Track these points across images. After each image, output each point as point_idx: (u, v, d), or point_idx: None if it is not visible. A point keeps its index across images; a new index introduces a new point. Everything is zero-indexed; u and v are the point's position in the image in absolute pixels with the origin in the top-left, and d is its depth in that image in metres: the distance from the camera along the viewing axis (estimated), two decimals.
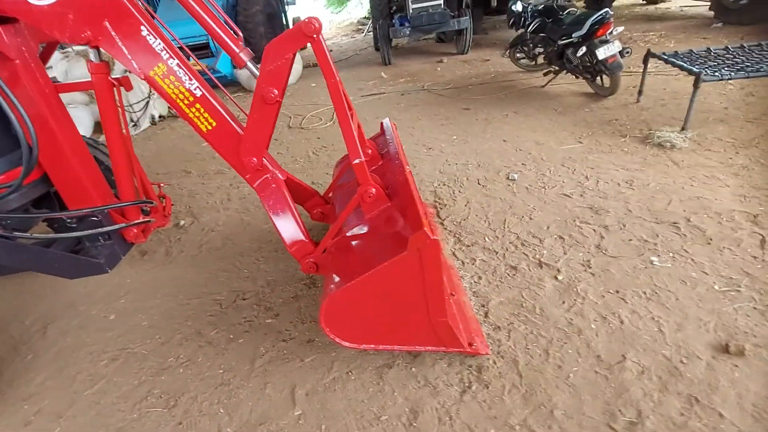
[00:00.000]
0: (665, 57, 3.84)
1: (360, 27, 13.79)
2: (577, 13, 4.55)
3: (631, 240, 2.36)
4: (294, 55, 1.76)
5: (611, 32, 4.08)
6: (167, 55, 1.75)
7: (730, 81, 3.70)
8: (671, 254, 2.21)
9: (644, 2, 10.10)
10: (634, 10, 9.65)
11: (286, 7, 9.68)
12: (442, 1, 6.97)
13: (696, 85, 3.28)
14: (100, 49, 1.77)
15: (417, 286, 1.57)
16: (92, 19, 1.67)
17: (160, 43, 1.73)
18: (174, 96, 1.82)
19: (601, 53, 4.07)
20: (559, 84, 5.12)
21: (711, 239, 2.26)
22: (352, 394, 1.74)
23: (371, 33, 10.85)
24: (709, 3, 7.57)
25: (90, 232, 2.00)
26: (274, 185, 2.03)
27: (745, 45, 3.91)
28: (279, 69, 1.75)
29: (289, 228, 2.02)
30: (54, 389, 1.97)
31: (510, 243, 2.48)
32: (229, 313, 2.28)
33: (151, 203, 2.25)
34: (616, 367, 1.68)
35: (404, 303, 1.64)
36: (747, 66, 3.41)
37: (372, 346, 1.76)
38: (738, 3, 6.71)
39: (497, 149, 3.76)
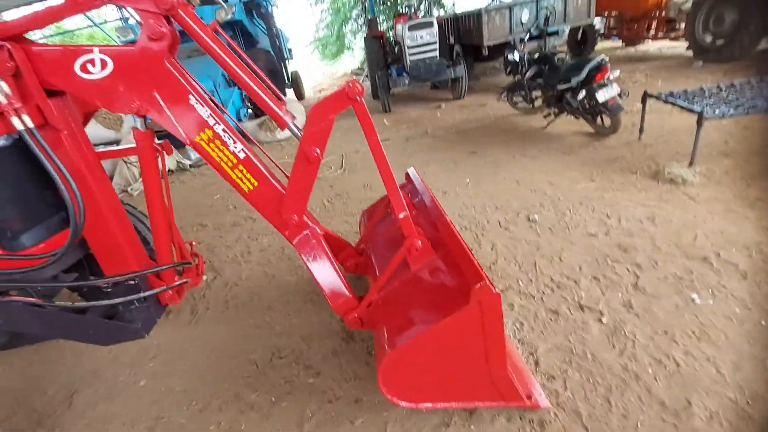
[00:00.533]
0: (664, 97, 4.03)
1: (354, 77, 14.36)
2: (574, 60, 4.81)
3: (666, 278, 2.37)
4: (335, 116, 1.83)
5: (608, 77, 4.31)
6: (213, 121, 1.80)
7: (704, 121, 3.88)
8: (710, 290, 2.21)
9: (624, 45, 10.74)
10: (615, 52, 10.23)
11: (285, 62, 10.10)
12: (437, 53, 7.35)
13: (700, 123, 3.43)
14: (147, 117, 1.82)
15: (477, 340, 1.55)
16: (142, 90, 1.73)
17: (206, 110, 1.78)
18: (218, 159, 1.86)
19: (601, 96, 4.27)
20: (559, 126, 5.31)
21: (746, 273, 2.28)
22: None
23: (365, 82, 11.29)
24: (686, 44, 8.10)
25: (131, 297, 1.96)
26: (314, 241, 2.03)
27: (735, 83, 4.13)
28: (322, 130, 1.81)
29: (331, 283, 2.01)
30: None
31: (545, 286, 2.48)
32: (267, 373, 2.20)
33: (189, 263, 2.23)
34: (684, 414, 1.63)
35: (463, 357, 1.61)
36: (743, 103, 3.59)
37: (429, 405, 1.70)
38: (715, 43, 7.17)
39: (512, 191, 3.84)
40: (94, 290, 2.15)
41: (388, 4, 15.57)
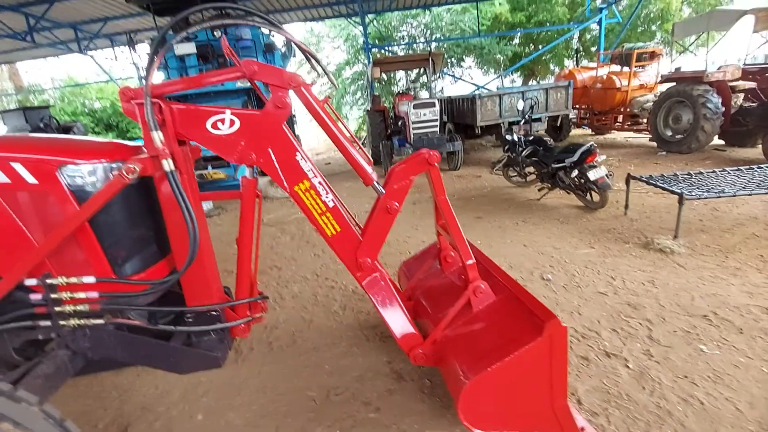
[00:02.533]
0: (645, 179, 4.70)
1: None
2: (566, 143, 5.56)
3: (675, 331, 2.72)
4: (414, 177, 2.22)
5: (597, 159, 5.00)
6: (312, 174, 2.13)
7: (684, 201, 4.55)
8: (715, 343, 2.57)
9: (593, 133, 12.10)
10: (587, 139, 11.50)
11: (294, 126, 10.79)
12: (438, 128, 8.17)
13: (681, 203, 4.03)
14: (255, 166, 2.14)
15: (545, 370, 1.81)
16: (259, 146, 2.05)
17: (308, 165, 2.12)
18: (310, 206, 2.16)
19: (592, 175, 4.92)
20: (551, 198, 5.93)
21: (741, 329, 2.67)
22: None
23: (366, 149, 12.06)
24: (648, 135, 9.31)
25: (221, 325, 2.12)
26: (382, 283, 2.30)
27: (702, 171, 4.88)
28: (402, 187, 2.18)
29: (398, 321, 2.25)
30: None
31: (572, 336, 2.77)
32: (327, 408, 2.32)
33: (266, 298, 2.41)
34: None
35: (531, 387, 1.85)
36: (713, 188, 4.25)
37: None
38: (674, 137, 8.31)
39: (521, 253, 4.24)
40: (177, 320, 2.29)
41: (383, 83, 17.10)
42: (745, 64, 8.16)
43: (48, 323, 1.86)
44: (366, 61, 14.27)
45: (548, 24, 15.36)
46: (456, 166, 8.61)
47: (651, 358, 2.49)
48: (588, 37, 17.17)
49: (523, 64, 16.35)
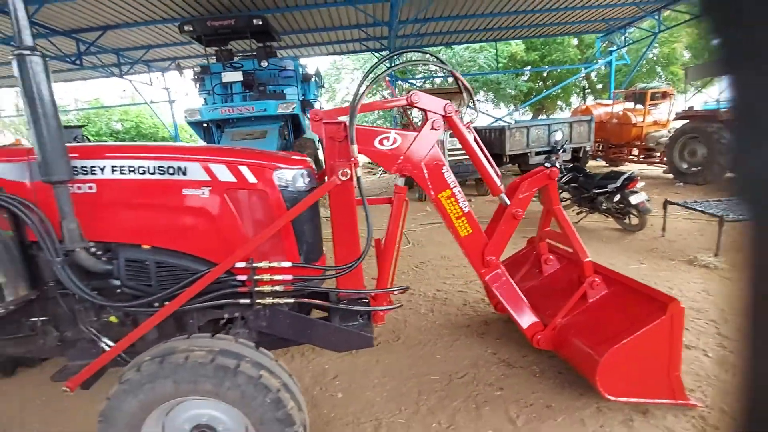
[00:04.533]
0: (683, 204, 5.20)
1: (371, 167, 15.74)
2: (606, 171, 6.09)
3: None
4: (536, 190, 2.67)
5: (638, 186, 5.51)
6: (453, 185, 2.58)
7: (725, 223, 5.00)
8: None
9: (607, 165, 12.75)
10: (602, 170, 12.13)
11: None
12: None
13: (721, 224, 4.50)
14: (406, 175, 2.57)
15: (664, 345, 2.20)
16: (414, 162, 2.49)
17: (451, 177, 2.57)
18: (449, 210, 2.59)
19: (634, 200, 5.42)
20: (588, 222, 6.40)
21: None
22: None
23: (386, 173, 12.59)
24: (661, 167, 9.93)
25: (392, 307, 2.51)
26: (504, 278, 2.70)
27: (731, 198, 5.38)
28: (527, 197, 2.64)
29: (522, 310, 2.64)
30: None
31: None
32: (454, 388, 2.67)
33: (408, 288, 2.79)
34: None
35: (652, 359, 2.24)
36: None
37: (623, 399, 2.26)
38: (690, 169, 8.91)
39: None
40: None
41: (408, 114, 17.93)
42: None
43: (247, 301, 2.22)
44: (388, 93, 15.06)
45: (560, 64, 16.40)
46: (486, 192, 9.11)
47: (726, 349, 2.88)
48: (593, 76, 18.25)
49: (534, 100, 17.30)
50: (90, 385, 2.16)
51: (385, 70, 2.70)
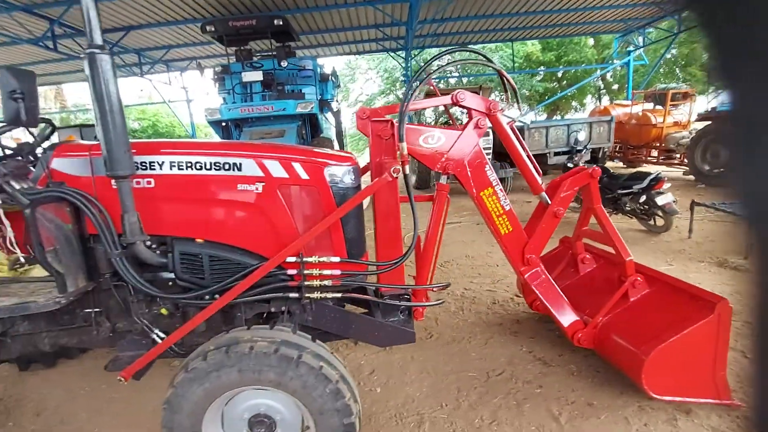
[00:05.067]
0: (710, 205, 5.15)
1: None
2: (631, 172, 6.05)
3: None
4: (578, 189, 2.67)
5: (664, 187, 5.46)
6: (495, 183, 2.60)
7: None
8: None
9: (625, 166, 12.65)
10: (621, 170, 12.03)
11: (345, 148, 11.39)
12: (491, 155, 8.72)
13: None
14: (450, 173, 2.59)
15: (711, 344, 2.20)
16: (458, 162, 2.51)
17: (493, 175, 2.59)
18: (490, 209, 2.62)
19: (660, 200, 5.37)
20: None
21: None
22: None
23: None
24: (680, 169, 9.81)
25: (427, 304, 2.53)
26: (543, 276, 2.72)
27: None
28: (568, 196, 2.64)
29: (562, 308, 2.65)
30: None
31: None
32: (493, 385, 2.69)
33: (449, 285, 2.81)
34: None
35: (698, 358, 2.23)
36: None
37: (668, 398, 2.27)
38: (712, 171, 8.80)
39: None
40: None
41: (421, 114, 18.00)
42: None
43: (296, 295, 2.25)
44: (402, 92, 15.09)
45: (576, 64, 16.30)
46: (506, 191, 9.10)
47: None
48: (609, 77, 18.08)
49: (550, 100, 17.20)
50: (141, 376, 2.22)
51: (437, 69, 2.72)
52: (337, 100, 12.31)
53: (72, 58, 11.32)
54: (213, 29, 8.83)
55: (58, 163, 2.09)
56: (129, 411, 2.63)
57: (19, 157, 2.05)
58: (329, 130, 10.97)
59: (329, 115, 10.97)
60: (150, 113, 19.66)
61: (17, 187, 1.96)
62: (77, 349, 3.25)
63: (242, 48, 9.94)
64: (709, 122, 8.95)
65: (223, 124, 9.61)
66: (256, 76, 9.49)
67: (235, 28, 8.78)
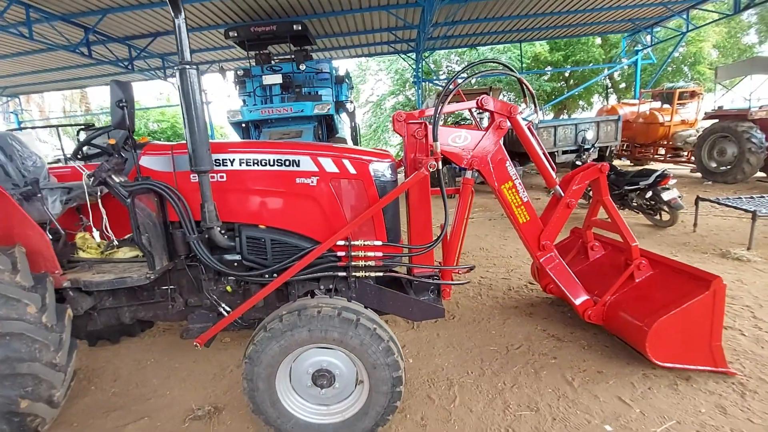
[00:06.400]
0: (715, 201, 5.43)
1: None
2: (637, 169, 6.33)
3: None
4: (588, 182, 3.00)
5: (670, 183, 5.75)
6: (515, 178, 2.93)
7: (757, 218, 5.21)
8: None
9: (632, 164, 12.87)
10: (627, 168, 12.26)
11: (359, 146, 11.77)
12: None
13: (754, 219, 4.73)
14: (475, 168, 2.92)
15: (707, 317, 2.52)
16: (482, 158, 2.84)
17: (513, 170, 2.92)
18: (510, 200, 2.94)
19: (666, 196, 5.67)
20: None
21: None
22: (664, 400, 2.48)
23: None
24: (688, 166, 10.03)
25: (460, 282, 2.89)
26: (557, 260, 3.04)
27: (763, 195, 5.59)
28: (579, 189, 2.97)
29: (574, 289, 2.98)
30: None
31: None
32: (512, 357, 3.03)
33: (473, 267, 3.15)
34: None
35: (696, 329, 2.55)
36: None
37: (670, 365, 2.59)
38: (719, 168, 9.03)
39: None
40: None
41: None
42: None
43: (344, 273, 2.60)
44: (411, 93, 15.40)
45: (584, 64, 16.52)
46: None
47: (761, 329, 3.16)
48: (616, 76, 18.26)
49: (558, 100, 17.44)
50: (210, 344, 2.58)
51: (469, 77, 3.06)
52: (351, 101, 12.68)
53: (100, 63, 11.83)
54: (236, 35, 9.24)
55: (145, 161, 2.47)
56: (193, 377, 3.01)
57: (118, 156, 2.42)
58: (344, 130, 11.36)
59: (344, 115, 11.35)
60: (169, 115, 20.25)
61: (117, 180, 2.34)
62: (138, 327, 3.66)
63: (262, 52, 10.34)
64: (716, 120, 9.18)
65: (243, 125, 10.03)
66: (276, 79, 9.89)
67: (257, 34, 9.18)
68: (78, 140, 2.73)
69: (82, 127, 2.97)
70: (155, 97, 20.48)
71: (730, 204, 5.18)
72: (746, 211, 4.89)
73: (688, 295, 2.54)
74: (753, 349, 2.93)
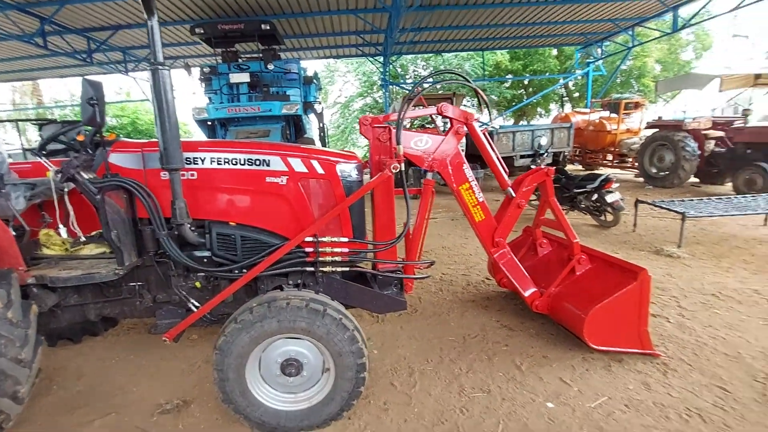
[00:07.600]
0: (651, 203, 5.97)
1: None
2: (585, 173, 6.84)
3: (696, 303, 3.84)
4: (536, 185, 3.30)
5: (613, 186, 6.26)
6: (471, 179, 3.17)
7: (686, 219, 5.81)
8: (724, 309, 3.69)
9: (583, 169, 13.70)
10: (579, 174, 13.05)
11: (327, 147, 11.82)
12: None
13: (683, 220, 5.28)
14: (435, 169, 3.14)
15: (635, 305, 2.86)
16: (441, 160, 3.07)
17: (470, 173, 3.17)
18: (467, 200, 3.19)
19: (609, 198, 6.18)
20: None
21: (740, 301, 3.81)
22: (599, 379, 2.80)
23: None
24: (632, 172, 10.85)
25: (422, 276, 3.08)
26: (509, 256, 3.32)
27: (693, 198, 6.21)
28: (529, 191, 3.27)
29: (524, 282, 3.27)
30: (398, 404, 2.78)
31: None
32: (469, 345, 3.27)
33: (434, 263, 3.35)
34: (738, 357, 2.96)
35: (625, 316, 2.88)
36: (702, 211, 5.53)
37: (604, 348, 2.91)
38: (659, 174, 9.84)
39: None
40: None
41: None
42: (713, 117, 9.89)
43: (311, 269, 2.74)
44: (379, 96, 15.63)
45: (541, 73, 17.40)
46: None
47: (684, 317, 3.58)
48: (571, 85, 19.32)
49: (518, 106, 18.25)
50: (179, 339, 2.65)
51: (431, 84, 3.27)
52: (319, 102, 12.73)
53: (55, 54, 11.23)
54: (202, 31, 9.09)
55: (115, 158, 2.51)
56: (160, 373, 3.05)
57: (86, 152, 2.44)
58: (312, 131, 11.40)
59: (312, 116, 11.40)
60: (129, 110, 19.39)
61: (87, 177, 2.37)
62: (102, 326, 3.61)
63: (229, 50, 10.21)
64: (656, 130, 9.99)
65: (209, 123, 9.85)
66: (243, 77, 9.78)
67: (224, 31, 9.07)
68: (41, 136, 2.72)
69: (45, 122, 2.94)
70: (115, 92, 19.64)
71: (664, 206, 5.73)
72: (677, 212, 5.43)
73: (618, 286, 2.87)
74: (677, 333, 3.32)
